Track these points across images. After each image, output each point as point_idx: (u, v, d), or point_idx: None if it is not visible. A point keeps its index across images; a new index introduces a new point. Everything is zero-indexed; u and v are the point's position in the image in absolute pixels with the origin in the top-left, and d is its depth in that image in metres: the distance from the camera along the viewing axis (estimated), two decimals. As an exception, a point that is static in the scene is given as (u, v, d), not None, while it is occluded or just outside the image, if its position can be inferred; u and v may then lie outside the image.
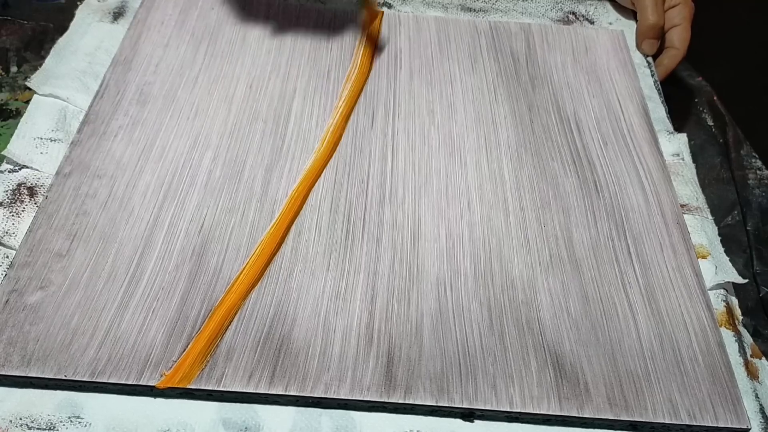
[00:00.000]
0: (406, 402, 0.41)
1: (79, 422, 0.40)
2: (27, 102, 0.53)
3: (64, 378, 0.40)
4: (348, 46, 0.62)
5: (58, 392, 0.41)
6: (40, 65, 0.58)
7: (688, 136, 0.59)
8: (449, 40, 0.64)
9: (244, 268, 0.46)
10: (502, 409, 0.41)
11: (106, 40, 0.61)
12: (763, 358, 0.47)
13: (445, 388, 0.42)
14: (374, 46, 0.62)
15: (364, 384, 0.41)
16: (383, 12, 0.66)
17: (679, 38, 0.65)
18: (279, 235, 0.48)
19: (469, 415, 0.42)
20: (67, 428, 0.39)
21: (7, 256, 0.46)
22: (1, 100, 0.60)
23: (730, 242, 0.58)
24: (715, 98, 0.70)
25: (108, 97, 0.55)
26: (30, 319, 0.42)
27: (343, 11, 0.65)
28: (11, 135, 0.51)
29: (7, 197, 0.49)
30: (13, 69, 0.63)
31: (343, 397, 0.41)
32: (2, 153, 0.51)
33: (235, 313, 0.44)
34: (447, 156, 0.54)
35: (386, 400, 0.41)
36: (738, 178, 0.63)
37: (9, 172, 0.50)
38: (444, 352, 0.43)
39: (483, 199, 0.52)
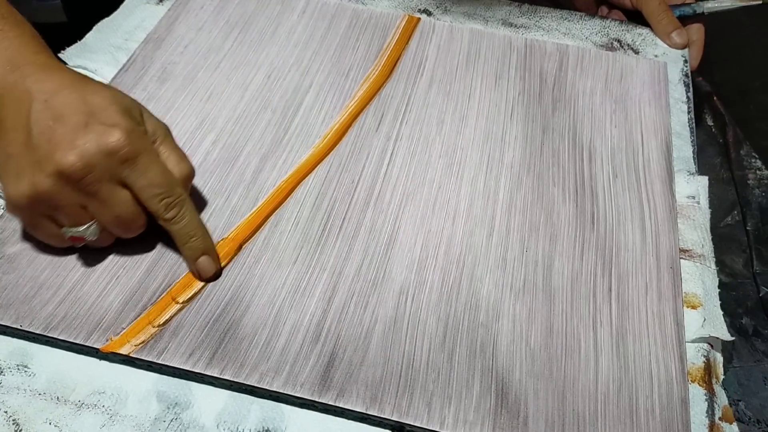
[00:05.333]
0: (336, 405, 0.41)
1: (25, 371, 0.42)
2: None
3: (19, 327, 0.42)
4: (375, 47, 0.62)
5: (14, 340, 0.43)
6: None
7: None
8: (479, 54, 0.63)
9: (212, 250, 0.47)
10: (431, 428, 0.40)
11: (147, 20, 0.63)
12: (735, 423, 0.44)
13: (379, 397, 0.41)
14: (401, 51, 0.62)
15: (299, 380, 0.41)
16: (419, 19, 0.66)
17: (691, 56, 0.66)
18: (256, 223, 0.49)
19: (399, 429, 0.41)
20: (12, 374, 0.41)
21: (2, 207, 0.49)
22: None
23: (730, 242, 0.57)
24: (715, 98, 0.68)
25: (132, 71, 0.58)
26: (4, 268, 0.45)
27: (380, 13, 0.66)
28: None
29: (18, 154, 0.52)
30: None
31: (275, 389, 0.41)
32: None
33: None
34: (444, 167, 0.53)
35: (317, 400, 0.41)
36: (738, 178, 0.62)
37: (27, 131, 0.54)
38: (387, 362, 0.43)
39: (470, 215, 0.50)
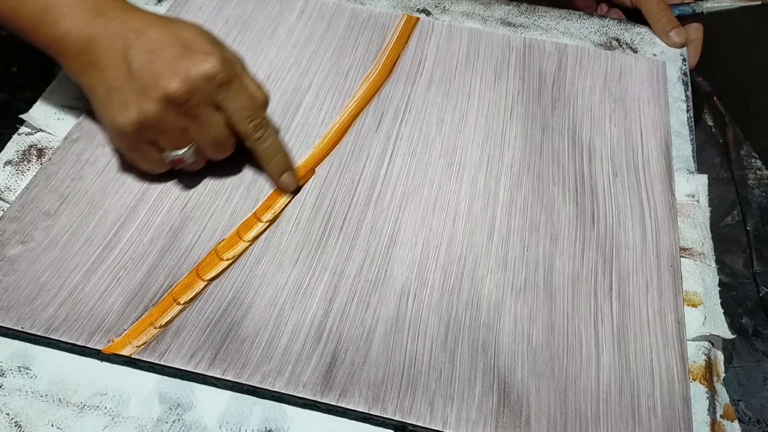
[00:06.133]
0: (339, 405, 0.41)
1: (27, 373, 0.42)
2: (27, 102, 0.55)
3: (20, 329, 0.42)
4: (374, 47, 0.62)
5: (15, 342, 0.43)
6: (40, 65, 0.59)
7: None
8: (478, 53, 0.63)
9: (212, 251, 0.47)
10: (434, 428, 0.40)
11: (146, 20, 0.63)
12: (736, 420, 0.44)
13: (381, 397, 0.41)
14: (400, 51, 0.62)
15: (301, 380, 0.41)
16: (419, 18, 0.66)
17: (690, 55, 0.66)
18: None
19: (401, 428, 0.41)
20: (14, 376, 0.41)
21: (2, 210, 0.49)
22: (1, 100, 0.61)
23: (730, 242, 0.58)
24: (715, 98, 0.68)
25: (131, 72, 0.58)
26: (4, 270, 0.45)
27: (379, 13, 0.65)
28: (11, 135, 0.53)
29: (17, 156, 0.52)
30: (13, 69, 0.64)
31: (277, 390, 0.41)
32: (22, 117, 0.53)
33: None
34: (445, 167, 0.53)
35: (319, 400, 0.41)
36: (738, 178, 0.62)
37: (26, 134, 0.53)
38: (389, 362, 0.43)
39: (470, 215, 0.50)
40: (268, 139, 0.49)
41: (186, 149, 0.47)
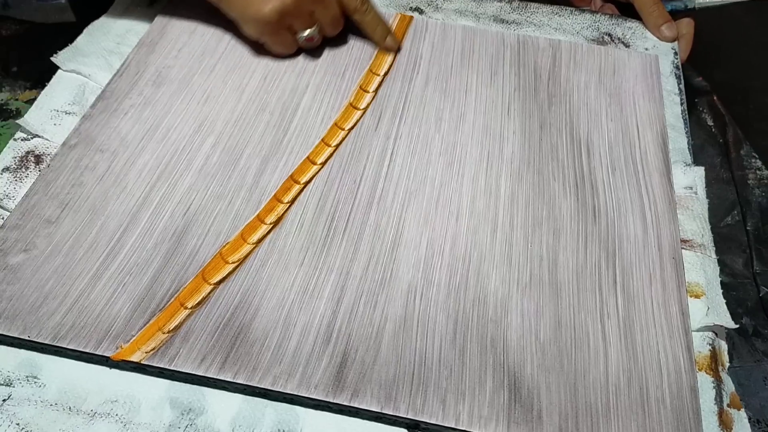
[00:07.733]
0: (351, 405, 0.41)
1: (35, 382, 0.41)
2: (27, 102, 0.54)
3: (27, 338, 0.42)
4: (369, 47, 0.62)
5: (22, 351, 0.42)
6: (40, 65, 0.58)
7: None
8: (473, 51, 0.63)
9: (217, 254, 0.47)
10: (447, 425, 0.40)
11: (138, 23, 0.63)
12: (743, 409, 0.44)
13: (393, 396, 0.41)
14: (395, 50, 0.62)
15: (313, 381, 0.41)
16: (412, 17, 0.66)
17: (681, 49, 0.67)
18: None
19: (414, 426, 0.41)
20: (22, 386, 0.41)
21: (2, 218, 0.48)
22: (1, 100, 0.61)
23: (730, 242, 0.58)
24: (715, 98, 0.69)
25: (127, 76, 0.57)
26: (8, 279, 0.44)
27: (372, 13, 0.65)
28: (11, 135, 0.53)
29: (15, 163, 0.51)
30: (13, 69, 0.64)
31: (289, 392, 0.41)
32: (18, 122, 0.53)
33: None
34: (445, 165, 0.53)
35: (331, 401, 0.41)
36: (738, 178, 0.62)
37: (22, 140, 0.53)
38: (400, 360, 0.43)
39: (473, 212, 0.51)
40: (371, 11, 0.60)
41: (313, 28, 0.58)
